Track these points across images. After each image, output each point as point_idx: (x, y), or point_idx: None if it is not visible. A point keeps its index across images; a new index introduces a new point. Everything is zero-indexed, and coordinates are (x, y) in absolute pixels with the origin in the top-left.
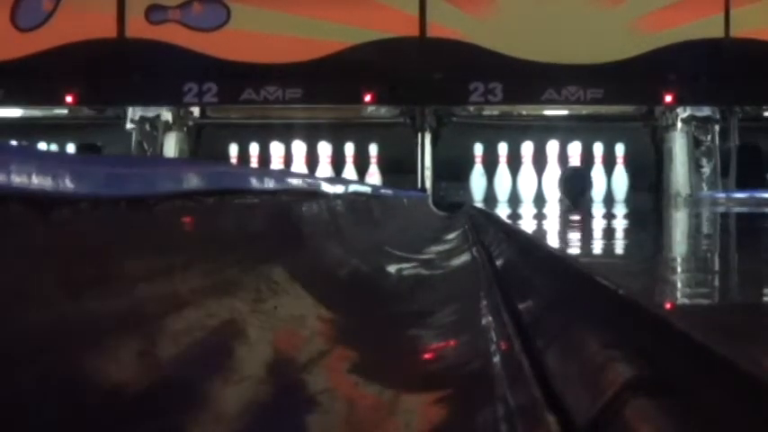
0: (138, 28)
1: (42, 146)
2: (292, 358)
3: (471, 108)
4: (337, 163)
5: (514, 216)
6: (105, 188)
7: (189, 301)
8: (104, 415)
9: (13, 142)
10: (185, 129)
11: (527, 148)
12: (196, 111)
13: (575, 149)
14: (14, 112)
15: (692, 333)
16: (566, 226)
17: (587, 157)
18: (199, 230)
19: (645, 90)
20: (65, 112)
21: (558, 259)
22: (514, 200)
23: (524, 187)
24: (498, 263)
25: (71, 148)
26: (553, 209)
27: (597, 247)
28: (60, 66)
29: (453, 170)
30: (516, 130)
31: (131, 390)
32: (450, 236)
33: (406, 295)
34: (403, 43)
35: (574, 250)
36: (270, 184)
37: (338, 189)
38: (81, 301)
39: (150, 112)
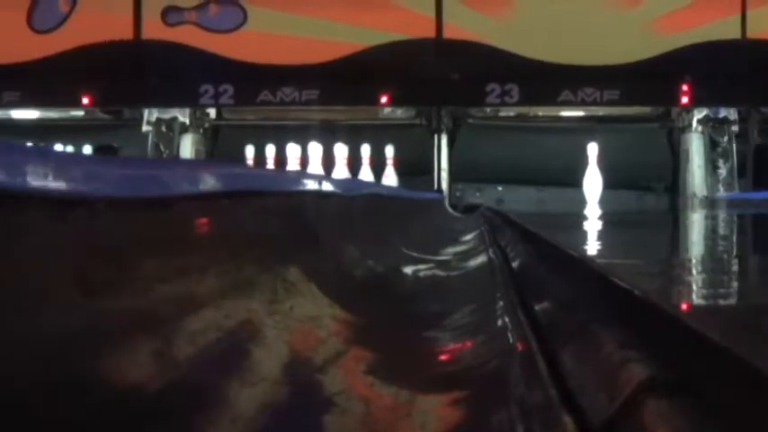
0: (154, 29)
1: (59, 147)
2: (308, 359)
3: (488, 109)
4: (353, 165)
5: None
6: (121, 190)
7: (205, 302)
8: (120, 416)
9: (29, 144)
10: (201, 130)
11: None
12: (212, 112)
13: (592, 150)
14: (31, 114)
15: (708, 333)
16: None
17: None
18: (215, 232)
19: (661, 91)
20: (81, 113)
21: (574, 260)
22: None
23: None
24: (515, 264)
25: (87, 149)
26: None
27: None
28: (76, 67)
29: (470, 171)
30: (531, 132)
31: (147, 391)
32: (467, 237)
33: (422, 296)
34: (419, 45)
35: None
36: (286, 185)
37: (354, 190)
38: (97, 302)
39: (166, 113)
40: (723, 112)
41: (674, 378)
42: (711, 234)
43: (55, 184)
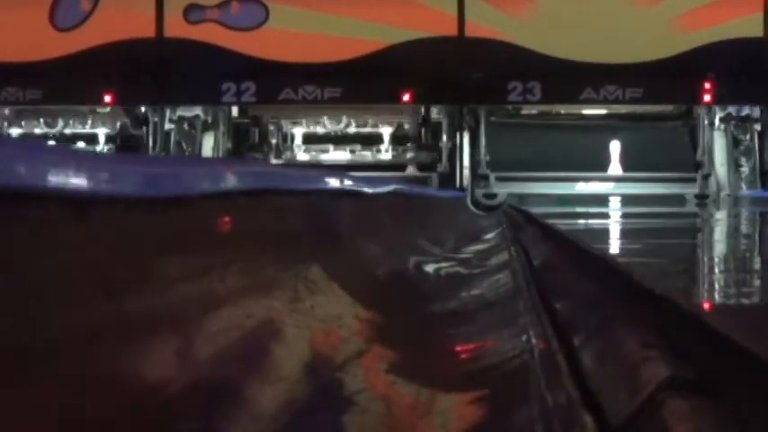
0: (176, 28)
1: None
2: (329, 358)
3: (510, 107)
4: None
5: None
6: (143, 188)
7: (226, 301)
8: (142, 415)
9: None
10: (224, 128)
11: None
12: (235, 110)
13: (614, 148)
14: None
15: (729, 333)
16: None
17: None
18: (236, 230)
19: (684, 89)
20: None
21: (595, 258)
22: None
23: None
24: (536, 262)
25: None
26: None
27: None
28: (99, 66)
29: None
30: (554, 130)
31: (169, 389)
32: (489, 235)
33: (443, 295)
34: (442, 43)
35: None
36: (308, 183)
37: (376, 188)
38: (118, 301)
39: (189, 111)
40: (746, 110)
41: (694, 378)
42: (734, 232)
43: (76, 182)
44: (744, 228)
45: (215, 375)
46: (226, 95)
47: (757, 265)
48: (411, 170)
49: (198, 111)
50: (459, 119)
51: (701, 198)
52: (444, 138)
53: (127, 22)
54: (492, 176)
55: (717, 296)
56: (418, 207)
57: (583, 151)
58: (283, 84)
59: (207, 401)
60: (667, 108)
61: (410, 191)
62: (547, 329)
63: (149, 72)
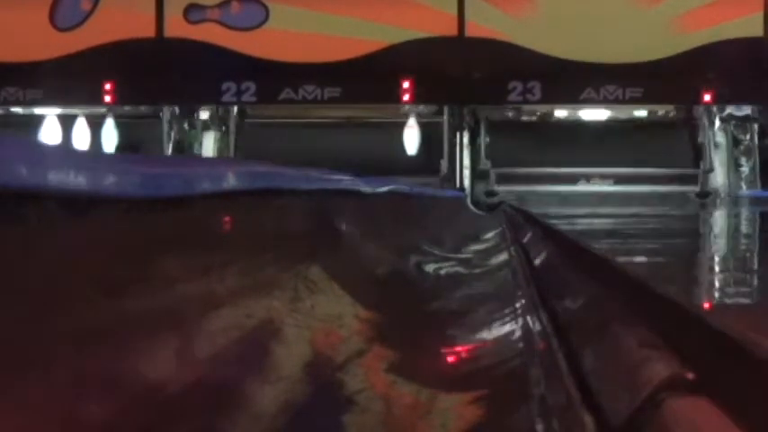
0: (176, 27)
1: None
2: (329, 357)
3: (510, 107)
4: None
5: None
6: (143, 188)
7: (227, 301)
8: (143, 414)
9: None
10: (224, 128)
11: None
12: (235, 110)
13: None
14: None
15: (730, 332)
16: None
17: None
18: (236, 230)
19: (684, 89)
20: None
21: (595, 258)
22: None
23: None
24: (536, 262)
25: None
26: None
27: None
28: (99, 65)
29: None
30: (554, 130)
31: (169, 389)
32: (488, 235)
33: (443, 294)
34: (442, 43)
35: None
36: (308, 183)
37: (375, 188)
38: (119, 300)
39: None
40: (746, 110)
41: (694, 378)
42: (734, 232)
43: (76, 182)
44: (743, 228)
45: (215, 375)
46: (226, 95)
47: (757, 264)
48: (412, 149)
49: (198, 110)
50: (459, 119)
51: (701, 197)
52: (445, 137)
53: (127, 21)
54: (492, 175)
55: (716, 295)
56: (418, 207)
57: (582, 151)
58: (283, 84)
59: (207, 401)
60: (667, 108)
61: (410, 191)
62: (547, 329)
63: (149, 72)
